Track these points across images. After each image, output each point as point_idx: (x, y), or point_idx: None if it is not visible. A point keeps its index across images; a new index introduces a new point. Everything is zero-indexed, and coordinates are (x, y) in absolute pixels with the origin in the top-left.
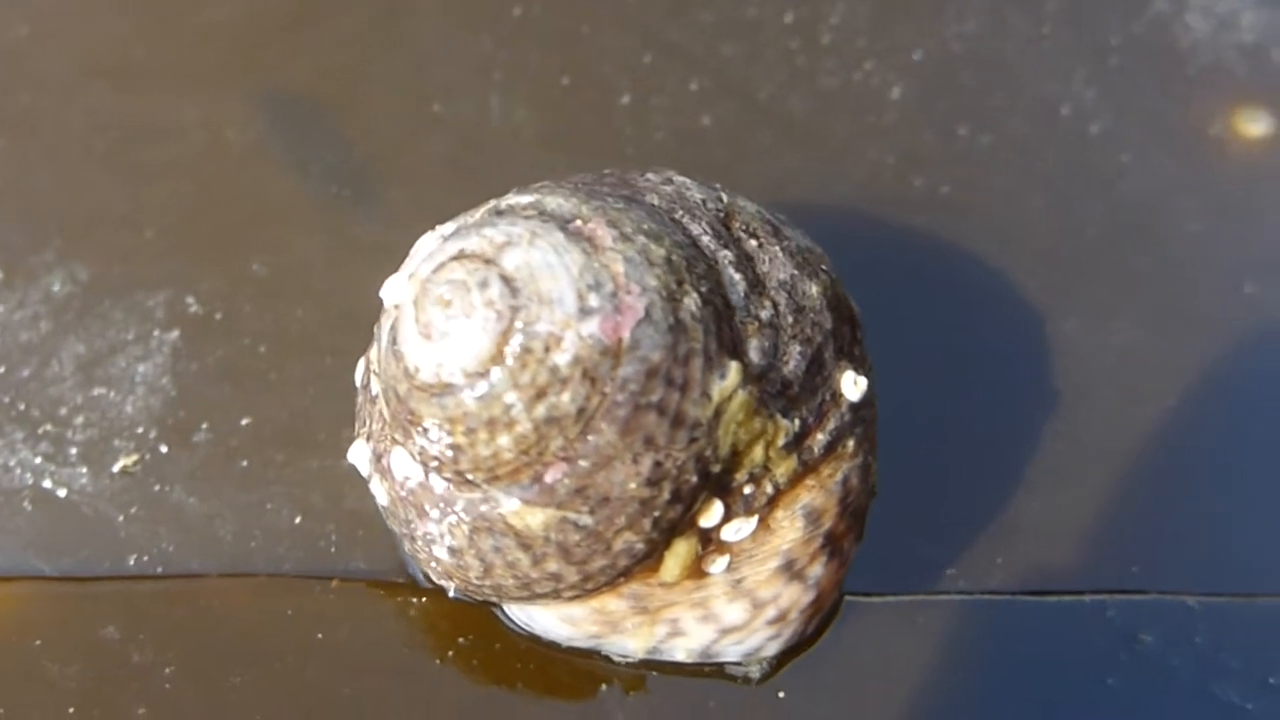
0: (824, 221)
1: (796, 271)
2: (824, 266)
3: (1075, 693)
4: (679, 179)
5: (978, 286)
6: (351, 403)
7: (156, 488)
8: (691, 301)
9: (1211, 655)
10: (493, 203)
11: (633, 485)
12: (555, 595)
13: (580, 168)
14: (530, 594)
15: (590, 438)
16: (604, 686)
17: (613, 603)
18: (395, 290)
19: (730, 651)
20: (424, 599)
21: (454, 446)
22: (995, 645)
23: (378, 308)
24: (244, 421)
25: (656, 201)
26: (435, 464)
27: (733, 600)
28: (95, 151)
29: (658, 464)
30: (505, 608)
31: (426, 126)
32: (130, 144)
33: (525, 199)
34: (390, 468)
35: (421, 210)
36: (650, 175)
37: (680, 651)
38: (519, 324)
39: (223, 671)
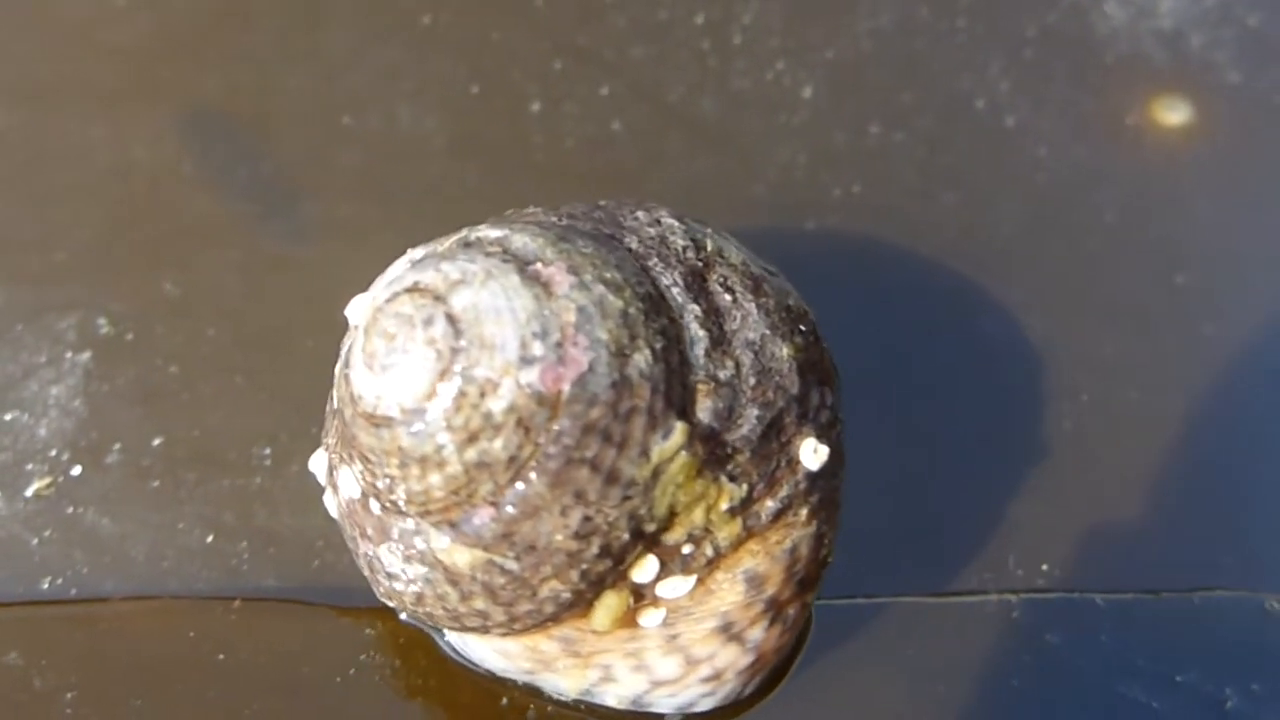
0: (735, 224)
1: (768, 331)
2: (802, 327)
3: (980, 694)
4: (668, 220)
5: (889, 287)
6: (262, 420)
7: (70, 510)
8: (642, 358)
9: (1118, 654)
10: (465, 231)
11: (559, 537)
12: (484, 630)
13: (490, 177)
14: (461, 626)
15: (520, 485)
16: (504, 701)
17: (544, 643)
18: (357, 311)
19: (663, 703)
20: (326, 618)
21: (389, 477)
22: (901, 648)
23: (290, 324)
24: (155, 442)
25: (635, 245)
26: (373, 490)
27: (667, 654)
28: (1, 174)
29: (587, 518)
30: (445, 634)
31: (336, 139)
32: (38, 166)
33: (495, 233)
34: (338, 483)
35: (332, 224)
36: (640, 214)
37: (611, 698)
38: (458, 366)
39: (124, 695)
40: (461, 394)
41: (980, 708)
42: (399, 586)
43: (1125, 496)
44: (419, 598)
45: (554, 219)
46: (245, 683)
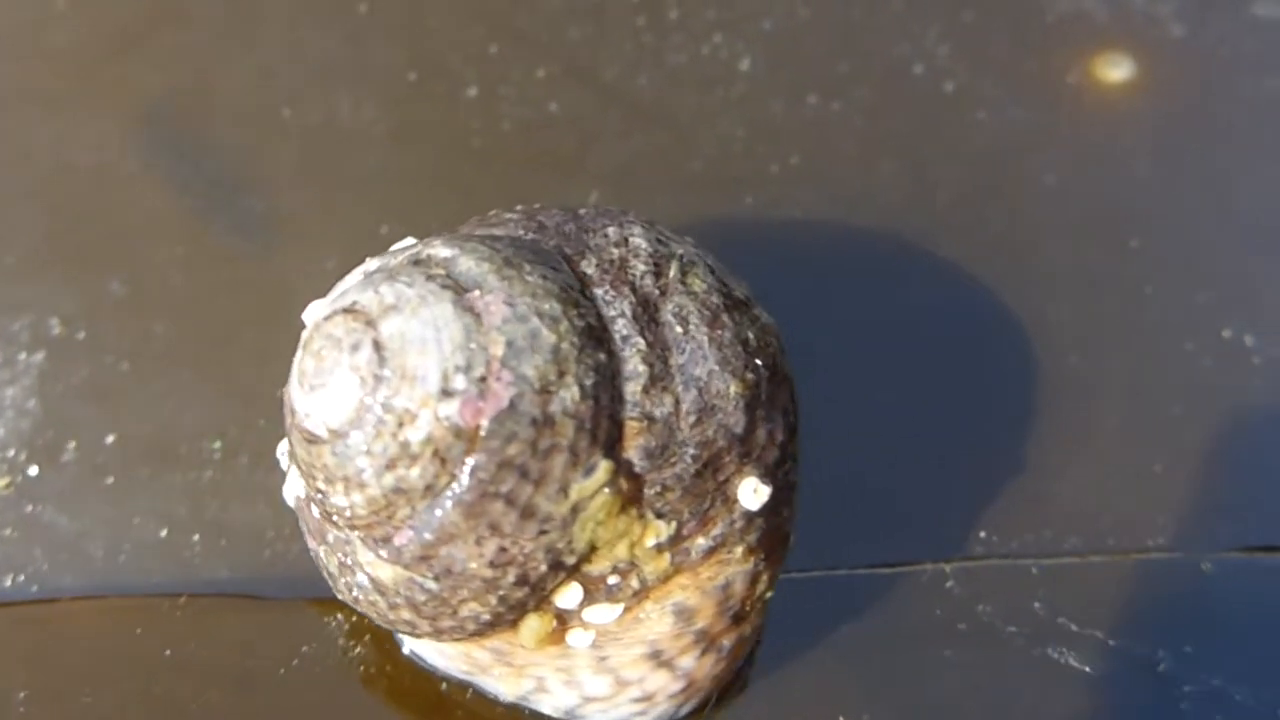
0: (673, 201)
1: (717, 367)
2: (758, 361)
3: (912, 665)
4: (636, 240)
5: (828, 258)
6: (211, 414)
7: (29, 509)
8: (569, 395)
9: (1050, 620)
10: (419, 247)
11: (473, 565)
12: (416, 635)
13: (429, 164)
14: (394, 629)
15: (437, 513)
16: (443, 687)
17: (477, 652)
18: (308, 318)
19: (596, 717)
20: (270, 610)
21: (319, 490)
22: (833, 622)
23: (236, 318)
24: (109, 439)
25: (590, 270)
26: (309, 495)
27: (597, 674)
28: None
29: (502, 549)
30: None
31: (277, 132)
32: None
33: (445, 253)
34: (290, 479)
35: (276, 217)
36: (610, 230)
37: (546, 707)
38: (380, 394)
39: (74, 693)
40: (381, 422)
41: (912, 678)
42: (339, 586)
43: (1065, 461)
44: (355, 600)
45: (520, 232)
46: (191, 677)
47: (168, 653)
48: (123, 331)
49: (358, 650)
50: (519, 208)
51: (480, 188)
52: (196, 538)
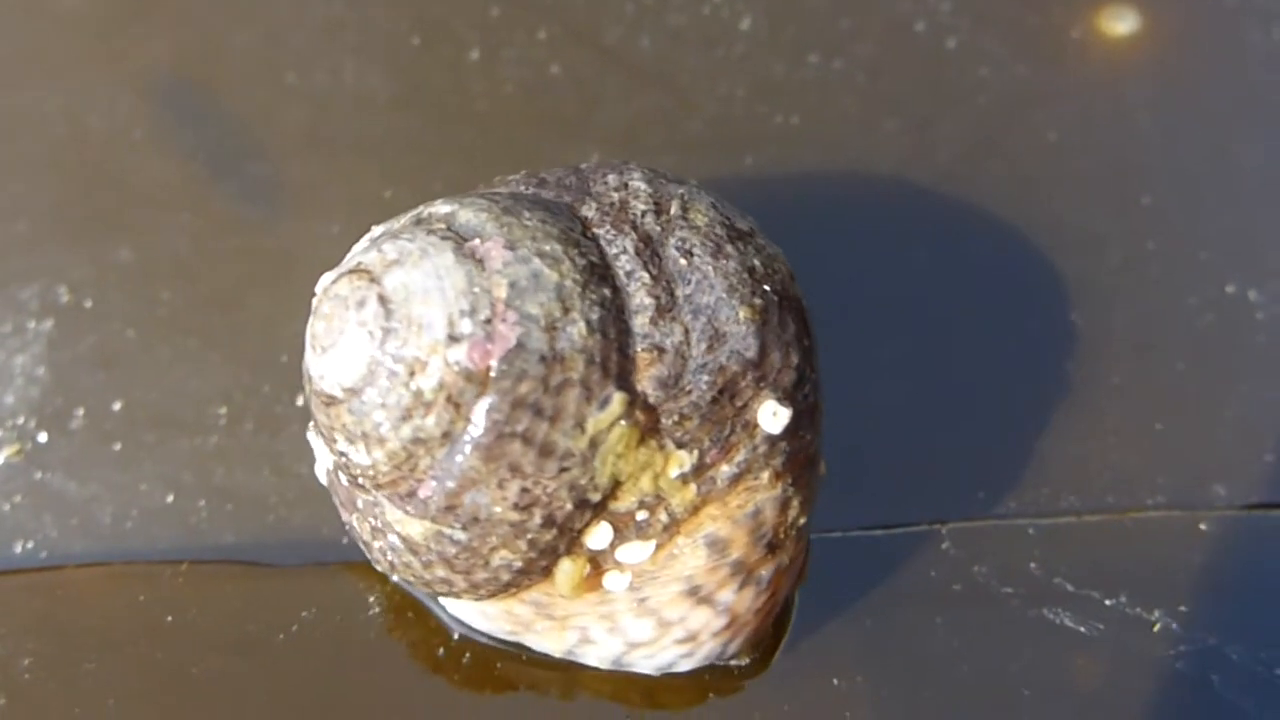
0: (674, 162)
1: (724, 295)
2: (766, 287)
3: (907, 626)
4: (636, 183)
5: (828, 218)
6: (217, 380)
7: (38, 475)
8: (576, 330)
9: (1046, 580)
10: (421, 208)
11: (498, 509)
12: (454, 595)
13: (433, 129)
14: (433, 591)
15: (457, 459)
16: (440, 651)
17: (518, 607)
18: (320, 288)
19: (642, 664)
20: (269, 577)
21: (341, 453)
22: (829, 583)
23: (241, 284)
24: (116, 406)
25: (590, 214)
26: (339, 463)
27: (639, 617)
28: None
29: (525, 490)
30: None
31: (282, 98)
32: None
33: (445, 209)
34: (317, 454)
35: (280, 183)
36: (610, 177)
37: (592, 658)
38: (389, 347)
39: (78, 659)
40: (392, 373)
41: (907, 640)
42: (374, 555)
43: (1064, 419)
44: (391, 565)
45: (522, 188)
46: (192, 643)
47: (169, 619)
48: (130, 299)
49: (354, 615)
50: (524, 171)
51: (483, 151)
52: (202, 503)
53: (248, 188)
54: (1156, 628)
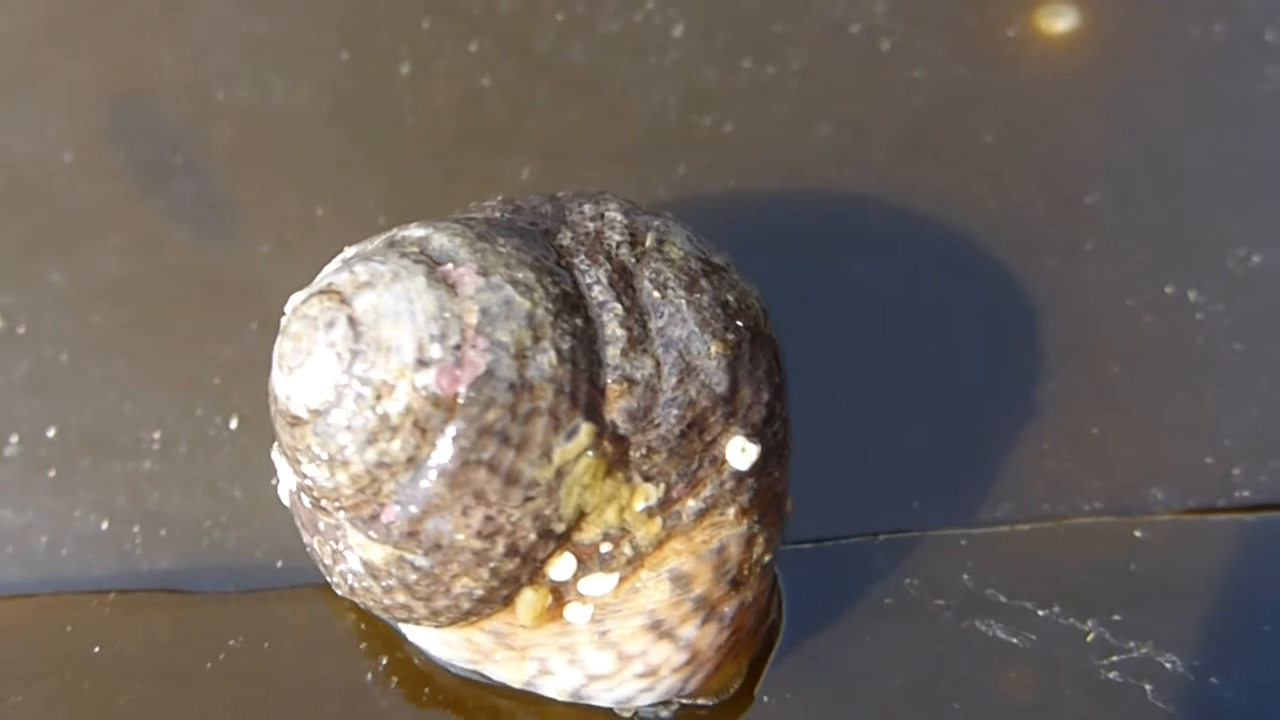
0: (606, 172)
1: (696, 329)
2: (739, 323)
3: (835, 640)
4: (612, 214)
5: (760, 223)
6: (149, 404)
7: None
8: (546, 359)
9: (978, 592)
10: (395, 230)
11: (461, 536)
12: (414, 622)
13: (363, 144)
14: (392, 616)
15: (421, 484)
16: (369, 677)
17: (478, 635)
18: (289, 308)
19: (601, 697)
20: (197, 605)
21: (305, 474)
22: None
23: (172, 304)
24: (50, 432)
25: (566, 242)
26: (301, 484)
27: (599, 649)
28: None
29: (489, 518)
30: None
31: (210, 115)
32: None
33: (419, 233)
34: (280, 474)
35: (210, 202)
36: (586, 207)
37: (551, 689)
38: (356, 369)
39: (6, 690)
40: (359, 396)
41: (838, 654)
42: (334, 578)
43: (999, 425)
44: (351, 590)
45: (498, 214)
46: (119, 673)
47: (97, 649)
48: (61, 323)
49: (281, 643)
50: (500, 196)
51: (414, 165)
52: (137, 529)
53: (177, 207)
54: (1089, 637)
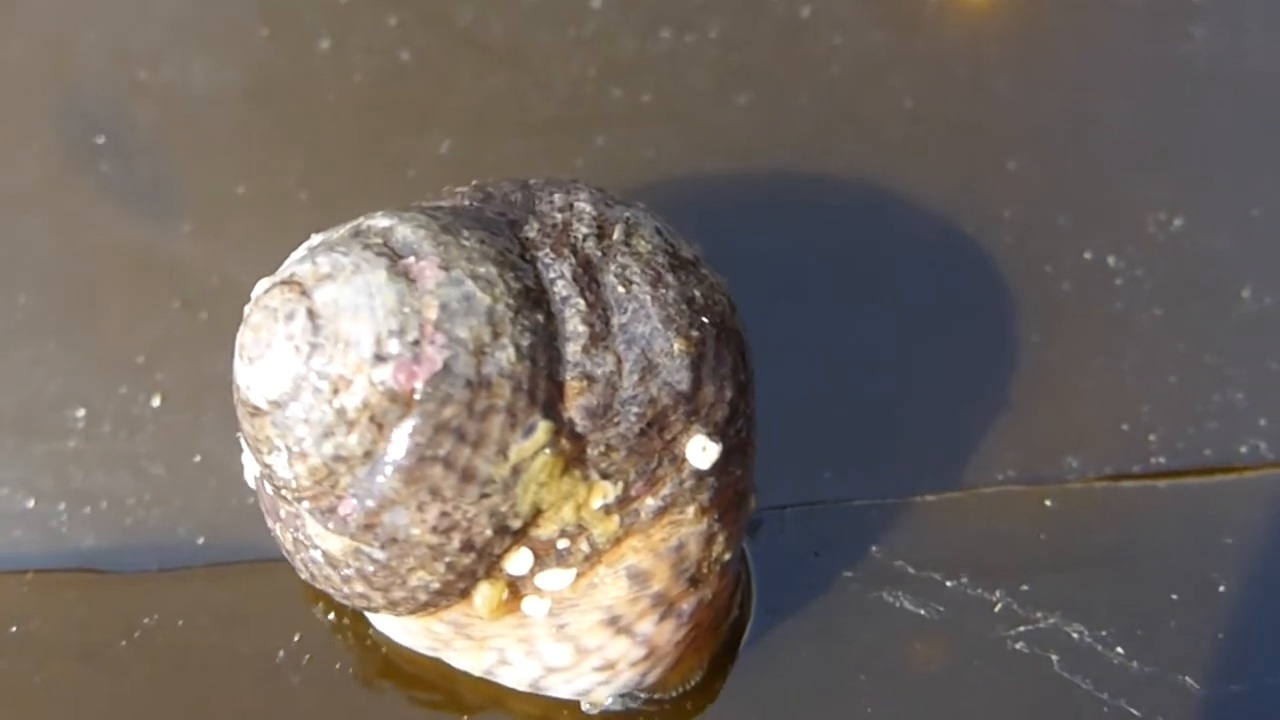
0: (525, 145)
1: (660, 325)
2: (705, 319)
3: (743, 616)
4: (581, 205)
5: (680, 194)
6: (75, 383)
7: None
8: (505, 356)
9: (886, 563)
10: (361, 219)
11: (416, 531)
12: (373, 610)
13: (284, 121)
14: (353, 605)
15: (377, 479)
16: (280, 655)
17: (437, 625)
18: (254, 296)
19: (560, 688)
20: (113, 585)
21: (266, 464)
22: None
23: (97, 284)
24: None
25: (532, 234)
26: (264, 472)
27: (557, 642)
28: None
29: (444, 514)
30: None
31: (134, 94)
32: None
33: (384, 223)
34: (245, 460)
35: (135, 182)
36: (556, 197)
37: (510, 679)
38: (315, 362)
39: None
40: (316, 390)
41: (743, 628)
42: (296, 564)
43: (914, 395)
44: (312, 576)
45: (467, 203)
46: (35, 652)
47: (13, 629)
48: None
49: (196, 620)
50: (473, 182)
51: (336, 141)
52: (62, 506)
53: (102, 187)
54: (997, 608)
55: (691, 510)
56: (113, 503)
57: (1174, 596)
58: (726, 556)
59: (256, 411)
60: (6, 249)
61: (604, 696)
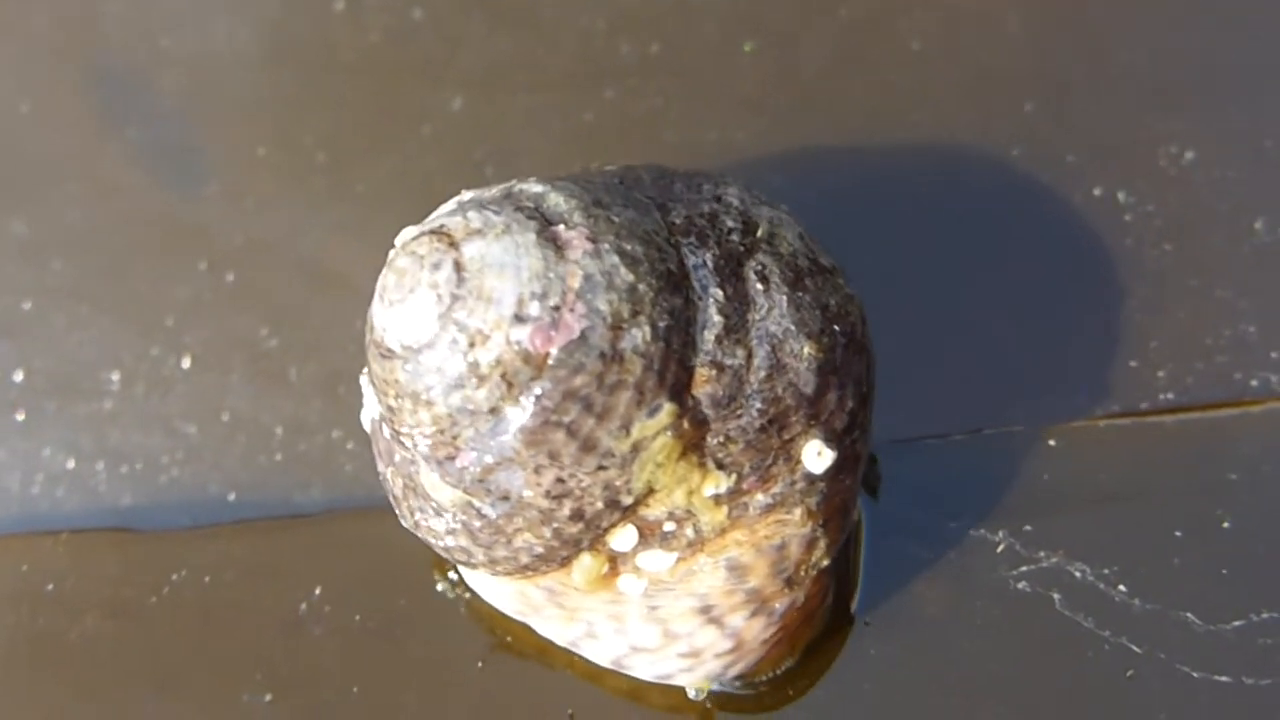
0: (535, 100)
1: (793, 327)
2: (836, 327)
3: None
4: (729, 198)
5: (686, 146)
6: (109, 346)
7: None
8: (641, 334)
9: (889, 506)
10: (514, 182)
11: (529, 493)
12: (470, 566)
13: (302, 84)
14: (451, 557)
15: (500, 437)
16: (303, 608)
17: (531, 590)
18: (399, 242)
19: (642, 669)
20: (143, 542)
21: (390, 407)
22: None
23: (128, 250)
24: (17, 377)
25: (678, 220)
26: (386, 415)
27: (647, 622)
28: None
29: (560, 480)
30: None
31: (158, 62)
32: None
33: (537, 189)
34: (367, 401)
35: (160, 148)
36: (705, 187)
37: (593, 652)
38: (455, 314)
39: None
40: (453, 341)
41: None
42: (401, 511)
43: (919, 339)
44: (416, 525)
45: (616, 181)
46: (71, 609)
47: (50, 587)
48: (24, 271)
49: (221, 576)
50: (621, 165)
51: (351, 102)
52: (100, 466)
53: (129, 154)
54: (1000, 548)
55: (799, 512)
56: (147, 462)
57: (1177, 534)
58: (824, 563)
59: (390, 354)
60: (41, 217)
61: (708, 683)
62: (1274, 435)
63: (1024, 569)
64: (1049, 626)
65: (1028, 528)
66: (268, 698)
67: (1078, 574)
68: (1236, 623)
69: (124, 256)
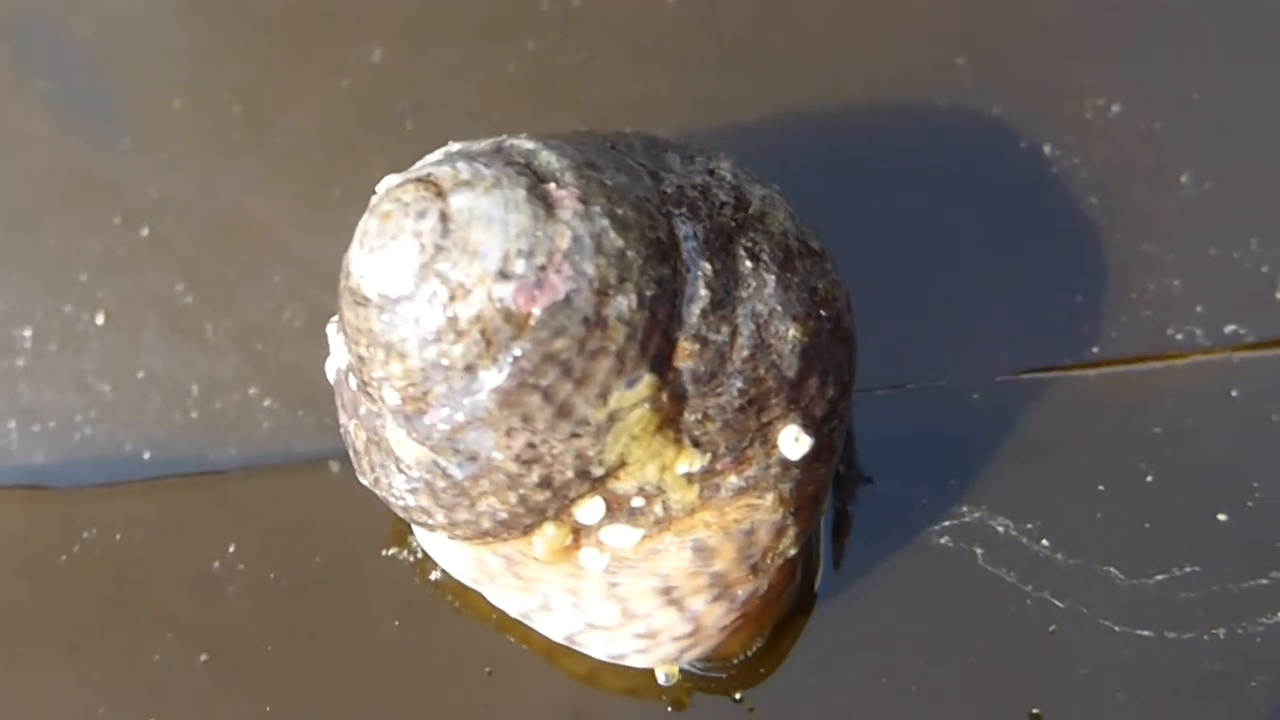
0: (457, 51)
1: (779, 308)
2: (822, 312)
3: None
4: (722, 172)
5: (607, 99)
6: (20, 302)
7: None
8: (626, 301)
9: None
10: (504, 137)
11: (498, 455)
12: (429, 528)
13: (217, 35)
14: (409, 517)
15: (473, 395)
16: (215, 565)
17: (488, 556)
18: (382, 188)
19: (595, 647)
20: (51, 500)
21: (360, 357)
22: None
23: (39, 202)
24: None
25: (669, 189)
26: (354, 364)
27: (605, 599)
28: None
29: (531, 445)
30: None
31: (67, 12)
32: None
33: (528, 145)
34: (334, 349)
35: (71, 99)
36: (699, 158)
37: (546, 626)
38: (437, 264)
39: None
40: (434, 293)
41: None
42: (361, 466)
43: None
44: (375, 481)
45: (608, 145)
46: None
47: None
48: None
49: (133, 534)
50: (612, 131)
51: (266, 54)
52: (13, 424)
53: (40, 105)
54: (924, 503)
55: (771, 497)
56: (61, 420)
57: (1100, 488)
58: (791, 552)
59: (364, 302)
60: None
61: (638, 665)
62: (1198, 389)
63: (946, 524)
64: (971, 581)
65: (951, 482)
66: (181, 656)
67: (1000, 529)
68: (1159, 577)
69: (35, 211)
